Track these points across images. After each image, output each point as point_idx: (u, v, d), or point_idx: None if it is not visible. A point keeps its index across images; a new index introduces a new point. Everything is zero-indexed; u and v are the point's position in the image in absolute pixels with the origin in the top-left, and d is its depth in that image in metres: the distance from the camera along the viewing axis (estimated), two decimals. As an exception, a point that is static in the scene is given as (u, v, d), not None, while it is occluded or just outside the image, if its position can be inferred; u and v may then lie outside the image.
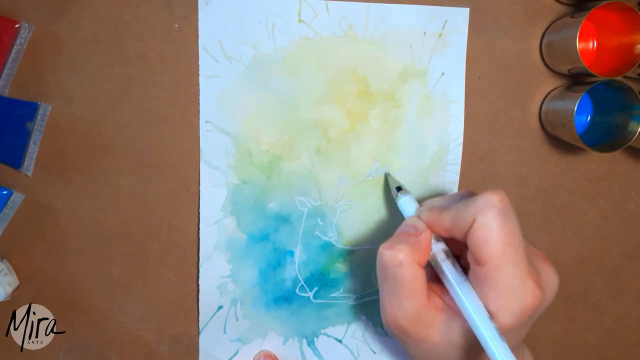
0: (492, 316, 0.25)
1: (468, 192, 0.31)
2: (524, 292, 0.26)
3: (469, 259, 0.27)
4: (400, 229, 0.30)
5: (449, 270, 0.28)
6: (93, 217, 0.38)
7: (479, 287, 0.26)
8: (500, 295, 0.25)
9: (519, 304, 0.25)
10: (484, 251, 0.26)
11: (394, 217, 0.39)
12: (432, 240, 0.29)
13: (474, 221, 0.26)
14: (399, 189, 0.35)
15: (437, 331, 0.27)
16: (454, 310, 0.27)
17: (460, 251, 0.30)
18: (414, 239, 0.28)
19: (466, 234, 0.27)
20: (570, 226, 0.41)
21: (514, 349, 0.28)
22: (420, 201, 0.33)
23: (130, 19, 0.36)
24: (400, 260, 0.27)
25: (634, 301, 0.42)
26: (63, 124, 0.37)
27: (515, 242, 0.26)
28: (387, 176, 0.38)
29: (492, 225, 0.26)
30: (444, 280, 0.28)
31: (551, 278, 0.28)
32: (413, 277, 0.27)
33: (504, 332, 0.25)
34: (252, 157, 0.37)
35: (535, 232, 0.40)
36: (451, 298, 0.28)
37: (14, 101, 0.36)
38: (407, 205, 0.33)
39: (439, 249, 0.29)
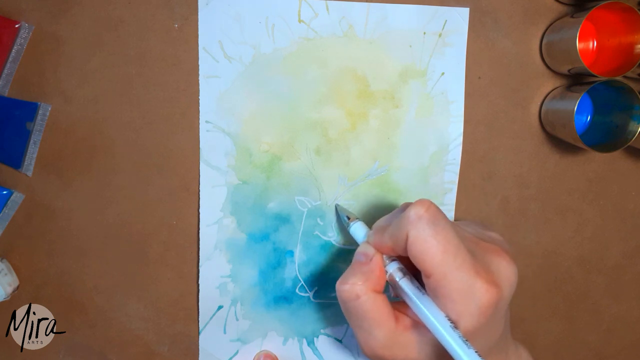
0: (454, 323, 0.25)
1: (405, 205, 0.31)
2: (476, 292, 0.25)
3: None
4: (353, 259, 0.30)
5: (406, 287, 0.28)
6: (93, 217, 0.38)
7: (435, 298, 0.26)
8: (454, 302, 0.25)
9: (475, 306, 0.25)
10: (425, 263, 0.26)
11: (394, 217, 0.39)
12: (386, 261, 0.29)
13: (407, 236, 0.26)
14: (348, 218, 0.35)
15: (413, 350, 0.27)
16: (423, 325, 0.27)
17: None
18: (366, 268, 0.28)
19: (405, 250, 0.27)
20: (570, 226, 0.41)
21: (495, 347, 0.28)
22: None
23: (130, 19, 0.36)
24: (356, 294, 0.27)
25: (634, 301, 0.42)
26: (63, 124, 0.37)
27: (452, 247, 0.26)
28: (337, 207, 0.38)
29: (424, 237, 0.26)
30: (405, 298, 0.28)
31: (506, 269, 0.28)
32: (373, 306, 0.27)
33: (472, 335, 0.25)
34: (252, 157, 0.37)
35: (535, 232, 0.40)
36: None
37: (14, 101, 0.36)
38: (357, 232, 0.34)
39: (393, 268, 0.29)
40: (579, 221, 0.41)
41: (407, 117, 0.38)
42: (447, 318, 0.26)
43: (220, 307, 0.39)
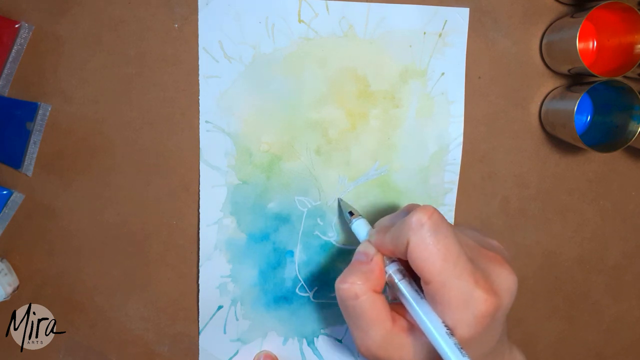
0: (451, 330, 0.25)
1: (410, 207, 0.31)
2: (474, 301, 0.25)
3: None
4: (354, 257, 0.30)
5: (405, 290, 0.28)
6: (93, 217, 0.38)
7: (434, 304, 0.26)
8: (452, 310, 0.25)
9: (472, 315, 0.25)
10: (424, 270, 0.26)
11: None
12: (386, 262, 0.29)
13: (408, 242, 0.26)
14: (351, 213, 0.35)
15: (408, 352, 0.27)
16: (419, 328, 0.27)
17: None
18: (366, 267, 0.28)
19: (406, 254, 0.27)
20: (570, 226, 0.41)
21: (491, 354, 0.28)
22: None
23: (130, 19, 0.36)
24: (355, 293, 0.27)
25: (634, 301, 0.42)
26: (63, 124, 0.37)
27: (452, 255, 0.25)
28: (340, 201, 0.38)
29: (425, 244, 0.26)
30: (402, 300, 0.28)
31: (506, 279, 0.27)
32: (372, 306, 0.27)
33: (468, 343, 0.25)
34: (252, 157, 0.37)
35: (535, 232, 0.40)
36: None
37: (14, 101, 0.36)
38: (359, 229, 0.33)
39: (393, 269, 0.29)
40: (579, 221, 0.41)
41: (407, 117, 0.38)
42: (443, 324, 0.26)
43: (220, 307, 0.39)
